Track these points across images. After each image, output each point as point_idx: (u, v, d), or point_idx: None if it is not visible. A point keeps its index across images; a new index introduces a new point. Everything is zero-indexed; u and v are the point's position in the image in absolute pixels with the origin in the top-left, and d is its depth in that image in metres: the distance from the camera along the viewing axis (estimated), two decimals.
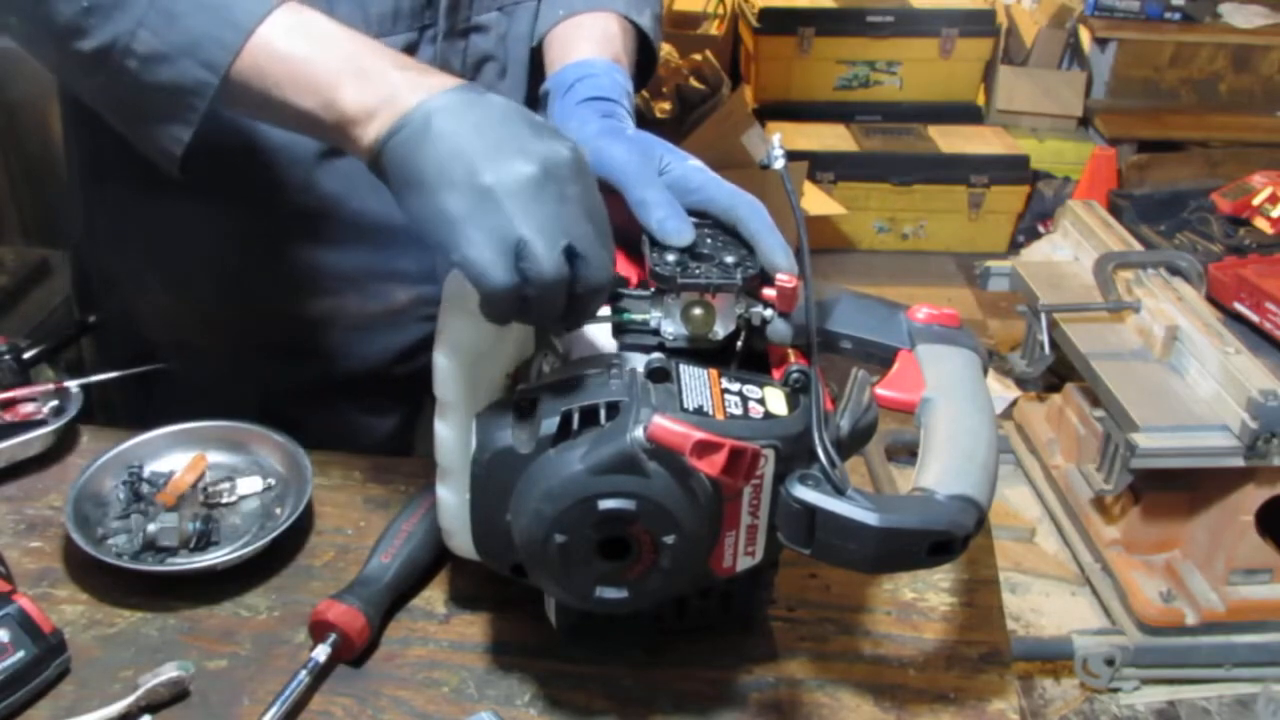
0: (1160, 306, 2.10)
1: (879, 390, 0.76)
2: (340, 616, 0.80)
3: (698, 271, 0.74)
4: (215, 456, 0.97)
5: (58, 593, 0.87)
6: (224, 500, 0.93)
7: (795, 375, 0.74)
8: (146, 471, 0.95)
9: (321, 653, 0.79)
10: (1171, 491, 2.08)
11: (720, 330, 0.75)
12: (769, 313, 0.75)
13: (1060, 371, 2.58)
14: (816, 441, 0.68)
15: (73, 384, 1.03)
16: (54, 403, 1.02)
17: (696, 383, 0.72)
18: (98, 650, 0.82)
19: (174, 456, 0.96)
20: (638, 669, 0.81)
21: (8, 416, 1.00)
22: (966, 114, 3.84)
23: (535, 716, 0.78)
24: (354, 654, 0.81)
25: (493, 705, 0.78)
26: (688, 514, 0.68)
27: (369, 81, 0.70)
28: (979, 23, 3.79)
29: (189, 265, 1.01)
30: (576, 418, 0.70)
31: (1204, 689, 2.08)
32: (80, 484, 0.91)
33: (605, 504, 0.67)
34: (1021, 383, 2.82)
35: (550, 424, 0.70)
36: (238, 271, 1.00)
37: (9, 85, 2.66)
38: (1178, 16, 3.68)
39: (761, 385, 0.74)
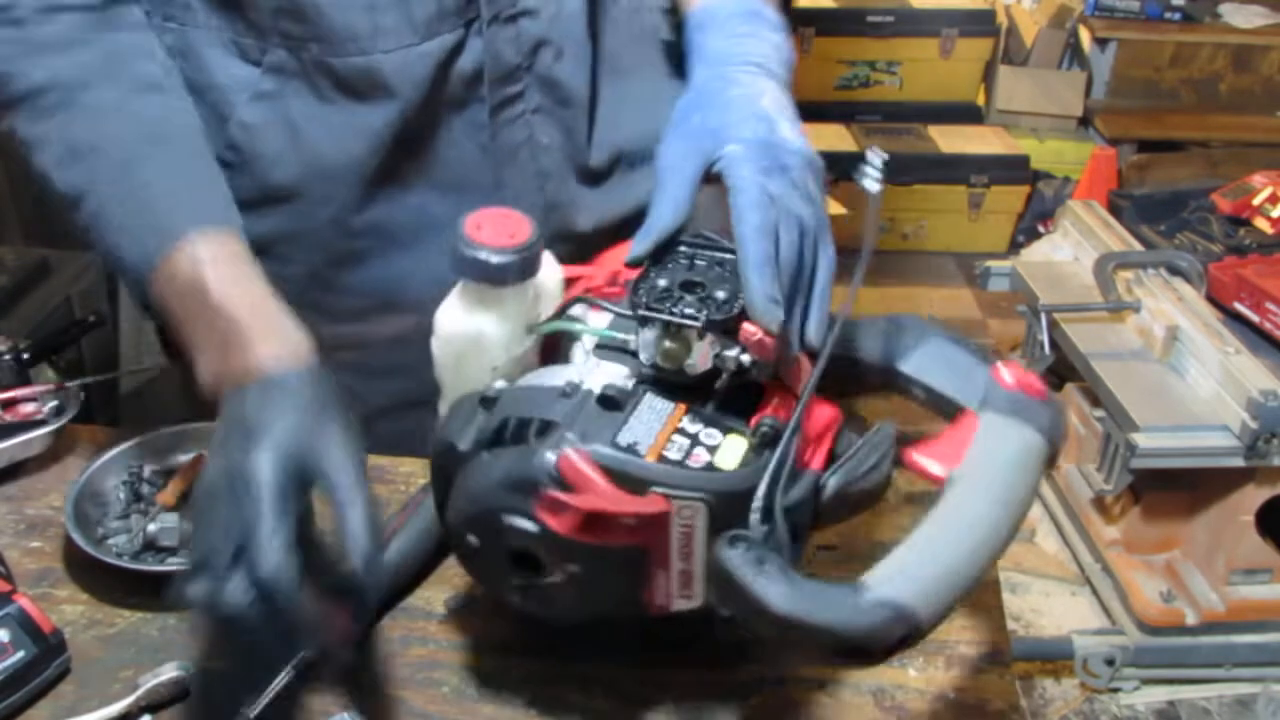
0: (1160, 306, 2.10)
1: (915, 455, 0.68)
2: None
3: (680, 300, 0.70)
4: None
5: (58, 593, 0.87)
6: None
7: (765, 427, 0.68)
8: (146, 471, 0.95)
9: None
10: (1171, 491, 2.08)
11: (697, 365, 0.70)
12: (746, 358, 0.69)
13: (1060, 371, 2.58)
14: (757, 501, 0.64)
15: (73, 384, 1.03)
16: (54, 403, 1.02)
17: (651, 416, 0.69)
18: (98, 650, 0.82)
19: (174, 456, 0.96)
20: (638, 669, 0.81)
21: (8, 416, 1.00)
22: (966, 114, 3.84)
23: (535, 716, 0.78)
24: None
25: (492, 706, 0.78)
26: (588, 549, 0.65)
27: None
28: (979, 23, 3.79)
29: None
30: (511, 426, 0.69)
31: (1204, 689, 2.08)
32: (80, 484, 0.91)
33: (508, 519, 0.66)
34: None
35: (487, 428, 0.69)
36: (308, 290, 0.96)
37: None
38: (1178, 16, 3.67)
39: (726, 431, 0.69)
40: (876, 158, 0.71)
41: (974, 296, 3.34)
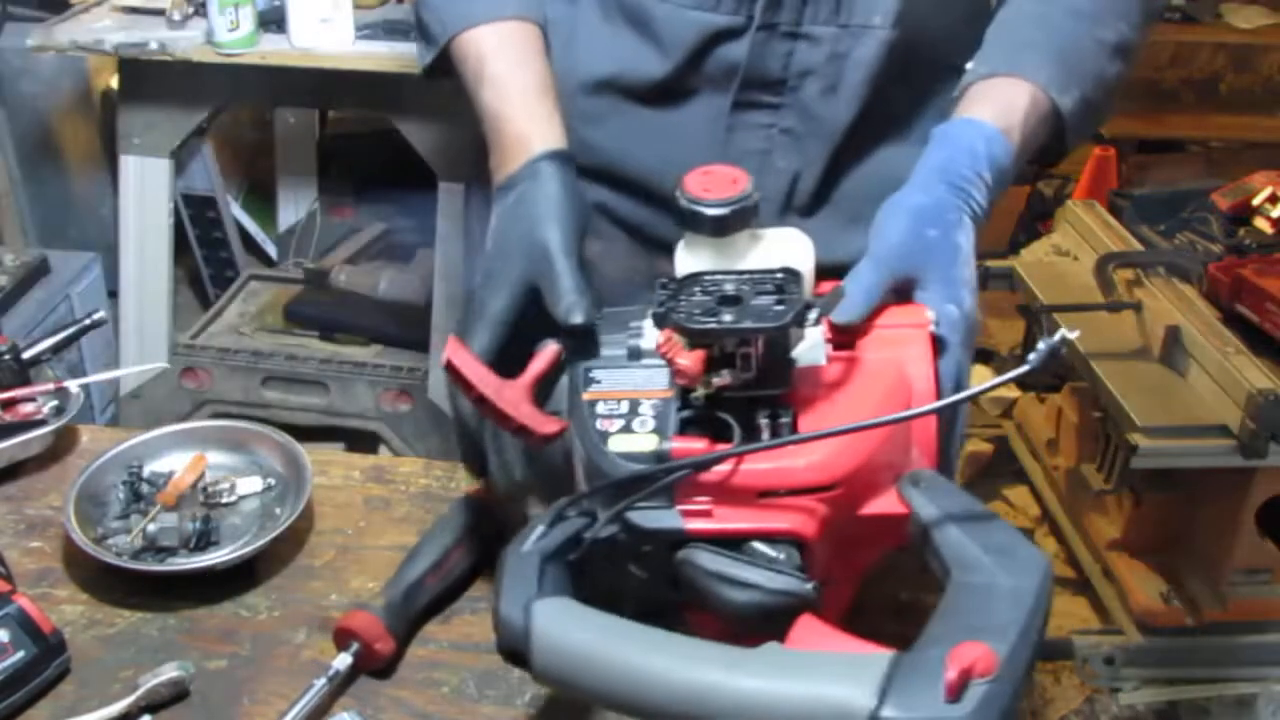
0: (1160, 306, 2.10)
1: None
2: (363, 626, 0.79)
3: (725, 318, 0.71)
4: (215, 456, 0.97)
5: (58, 593, 0.87)
6: (224, 500, 0.93)
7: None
8: (146, 471, 0.95)
9: (342, 662, 0.78)
10: (1171, 491, 2.08)
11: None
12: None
13: (1060, 371, 2.58)
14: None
15: (73, 384, 1.03)
16: (54, 403, 1.02)
17: (641, 376, 0.74)
18: (98, 650, 0.82)
19: (174, 456, 0.96)
20: None
21: (8, 416, 1.00)
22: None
23: (535, 716, 0.78)
24: (377, 666, 0.80)
25: (492, 706, 0.78)
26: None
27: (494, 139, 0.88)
28: None
29: None
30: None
31: (1204, 689, 2.08)
32: (80, 484, 0.91)
33: None
34: (1021, 383, 2.83)
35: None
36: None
37: (10, 85, 2.66)
38: (1178, 16, 3.67)
39: (658, 431, 0.71)
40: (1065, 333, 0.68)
41: None
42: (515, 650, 0.65)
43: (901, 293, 0.79)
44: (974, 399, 0.70)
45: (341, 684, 0.79)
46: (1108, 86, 0.97)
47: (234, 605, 0.86)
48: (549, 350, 0.77)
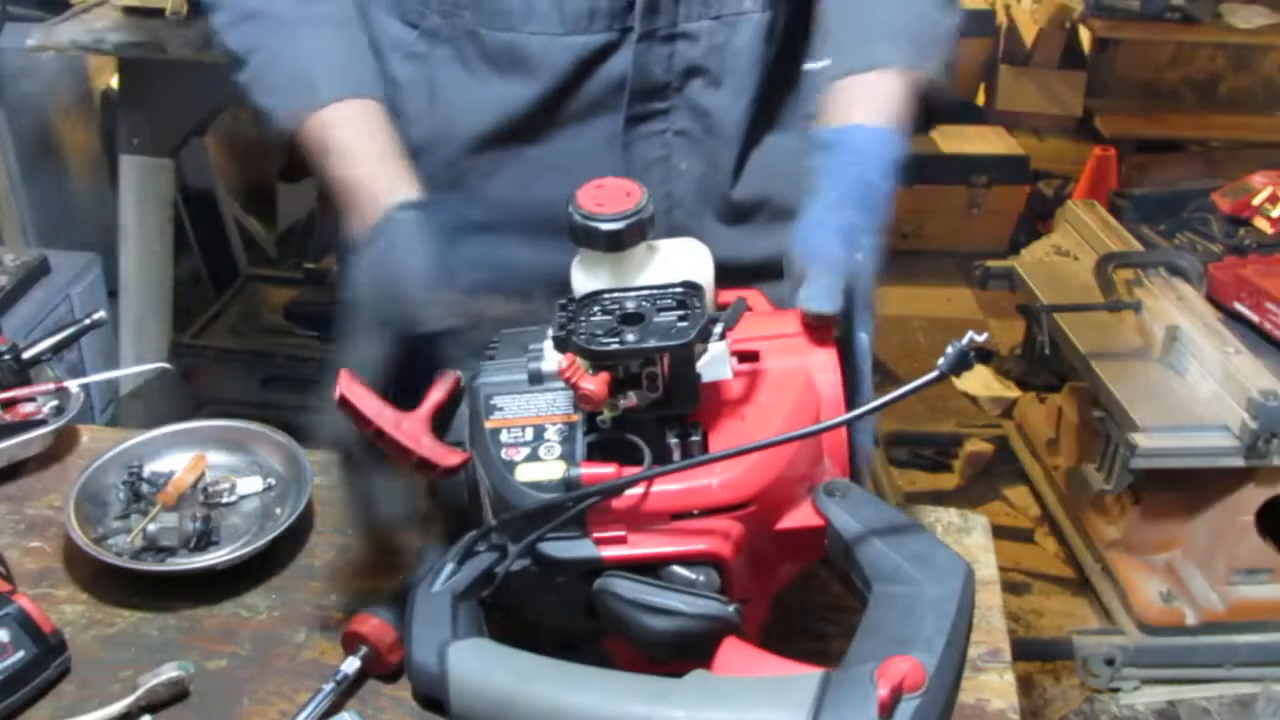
0: (1160, 306, 2.10)
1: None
2: (375, 632, 0.79)
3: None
4: (215, 456, 0.97)
5: (58, 593, 0.87)
6: (224, 500, 0.93)
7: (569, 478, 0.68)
8: (146, 471, 0.95)
9: (350, 666, 0.78)
10: (1171, 491, 2.08)
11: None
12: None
13: (1060, 371, 2.58)
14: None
15: (73, 384, 1.03)
16: (54, 403, 1.02)
17: (544, 401, 0.72)
18: (98, 650, 0.82)
19: (174, 456, 0.96)
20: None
21: (8, 416, 1.00)
22: (967, 114, 3.84)
23: None
24: (386, 670, 0.79)
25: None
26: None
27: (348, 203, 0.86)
28: (979, 23, 3.79)
29: None
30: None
31: (1204, 689, 2.08)
32: (80, 484, 0.91)
33: None
34: (1022, 383, 2.83)
35: None
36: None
37: (10, 85, 2.66)
38: (1178, 16, 3.67)
39: (565, 456, 0.69)
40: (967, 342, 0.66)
41: (973, 296, 3.33)
42: (432, 696, 0.64)
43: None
44: (883, 409, 0.68)
45: (348, 688, 0.78)
46: (952, 39, 0.96)
47: (234, 605, 0.86)
48: (447, 379, 0.75)
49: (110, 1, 2.19)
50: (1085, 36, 3.82)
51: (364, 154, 0.87)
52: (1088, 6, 3.72)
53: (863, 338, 0.78)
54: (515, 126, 0.95)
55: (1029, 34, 3.85)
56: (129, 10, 2.16)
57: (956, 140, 3.65)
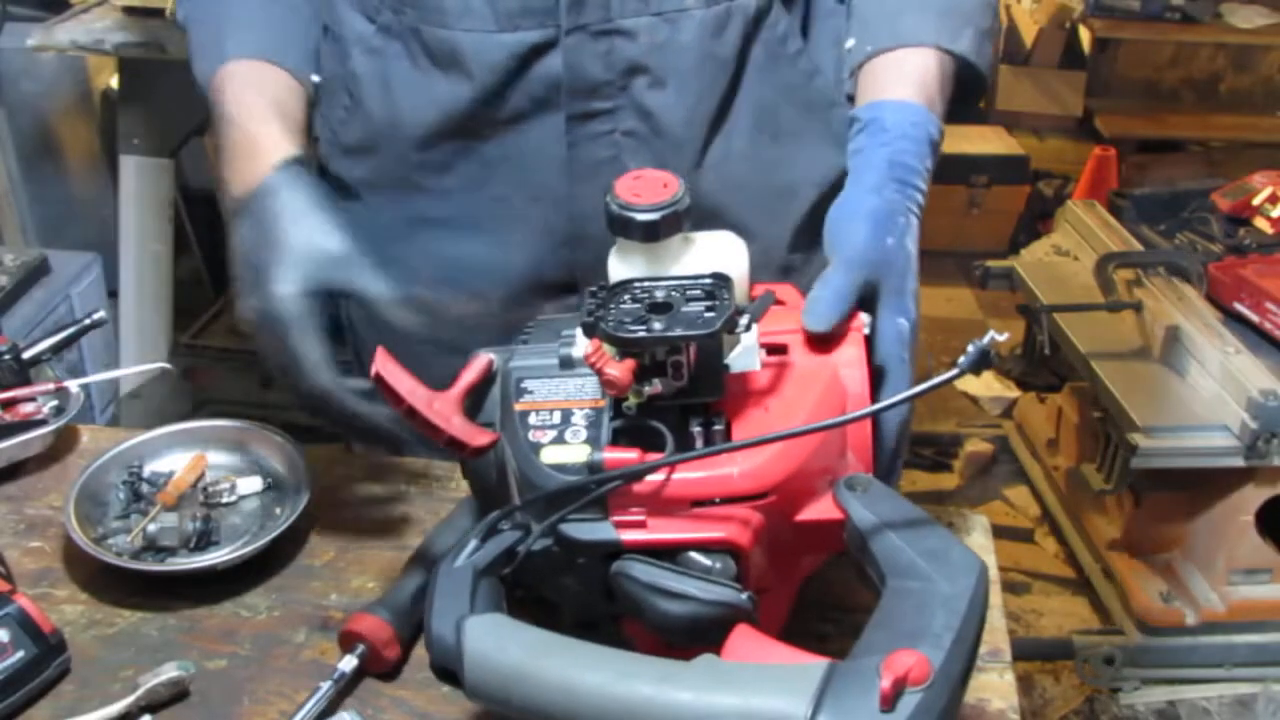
0: (1160, 306, 2.10)
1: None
2: (372, 630, 0.79)
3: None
4: (215, 456, 0.97)
5: (58, 593, 0.87)
6: (224, 500, 0.93)
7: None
8: (146, 471, 0.95)
9: (347, 664, 0.78)
10: (1171, 491, 2.08)
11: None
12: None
13: (1060, 371, 2.58)
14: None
15: (73, 384, 1.03)
16: (54, 403, 1.02)
17: (571, 386, 0.73)
18: (98, 650, 0.82)
19: (174, 456, 0.96)
20: None
21: (8, 416, 0.99)
22: (966, 113, 3.84)
23: None
24: (384, 668, 0.80)
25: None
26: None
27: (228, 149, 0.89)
28: None
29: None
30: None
31: (1204, 689, 2.08)
32: (80, 484, 0.91)
33: None
34: (1022, 383, 2.83)
35: None
36: (390, 242, 0.97)
37: (10, 85, 2.66)
38: (1178, 16, 3.67)
39: (591, 440, 0.70)
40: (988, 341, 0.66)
41: (974, 296, 3.33)
42: (448, 668, 0.65)
43: (862, 300, 0.78)
44: (913, 399, 0.69)
45: (346, 686, 0.78)
46: (987, 11, 0.94)
47: (234, 605, 0.86)
48: (480, 361, 0.75)
49: (110, 1, 2.20)
50: (1085, 36, 3.82)
51: (249, 112, 0.88)
52: (1088, 6, 3.73)
53: (898, 324, 0.78)
54: (459, 123, 0.94)
55: (1029, 34, 3.85)
56: (129, 10, 2.16)
57: (956, 140, 3.65)
